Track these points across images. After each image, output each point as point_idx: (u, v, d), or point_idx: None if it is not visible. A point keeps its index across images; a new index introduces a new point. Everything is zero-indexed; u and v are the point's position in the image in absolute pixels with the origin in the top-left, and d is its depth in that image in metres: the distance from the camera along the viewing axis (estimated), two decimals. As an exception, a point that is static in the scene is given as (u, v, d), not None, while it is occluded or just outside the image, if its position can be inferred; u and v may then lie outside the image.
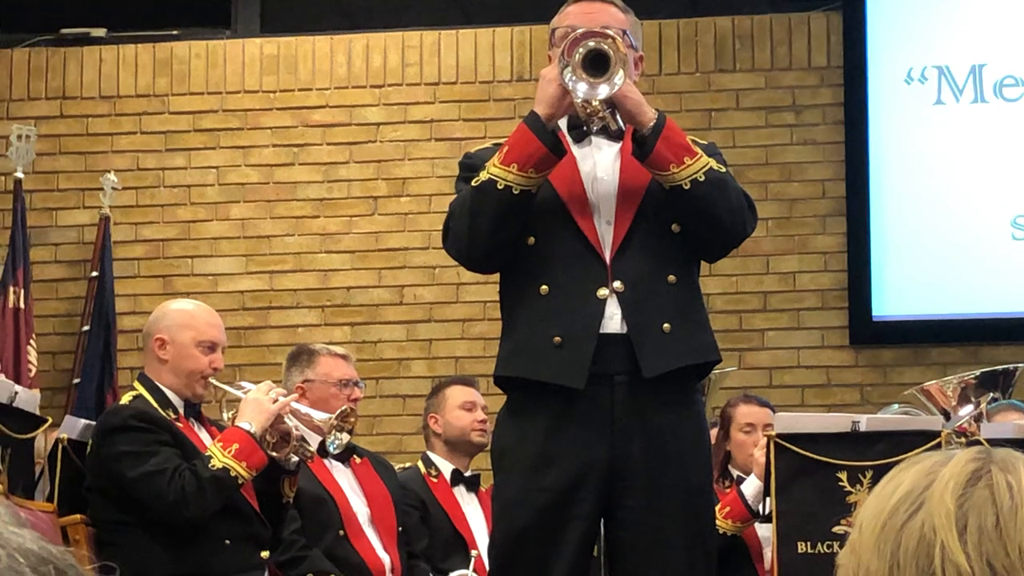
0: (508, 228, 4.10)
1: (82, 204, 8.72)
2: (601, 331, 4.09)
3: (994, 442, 4.80)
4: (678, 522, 4.10)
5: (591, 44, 4.00)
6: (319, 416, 5.34)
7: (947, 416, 6.19)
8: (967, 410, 6.29)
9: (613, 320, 4.10)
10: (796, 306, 8.42)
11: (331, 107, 8.72)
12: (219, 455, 5.01)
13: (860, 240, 8.34)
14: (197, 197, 8.72)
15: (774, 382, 8.31)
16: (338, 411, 5.31)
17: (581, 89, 4.00)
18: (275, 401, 5.15)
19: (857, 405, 8.08)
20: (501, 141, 4.21)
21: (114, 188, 8.54)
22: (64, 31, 8.84)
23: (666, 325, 4.10)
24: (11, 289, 8.19)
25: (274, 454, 5.13)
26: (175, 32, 8.86)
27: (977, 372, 6.43)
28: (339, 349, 6.00)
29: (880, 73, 8.43)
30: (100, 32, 8.85)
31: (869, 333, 8.35)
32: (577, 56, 3.99)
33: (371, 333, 8.58)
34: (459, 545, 6.01)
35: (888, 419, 5.96)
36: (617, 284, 4.10)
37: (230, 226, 8.69)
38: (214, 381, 5.33)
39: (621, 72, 3.99)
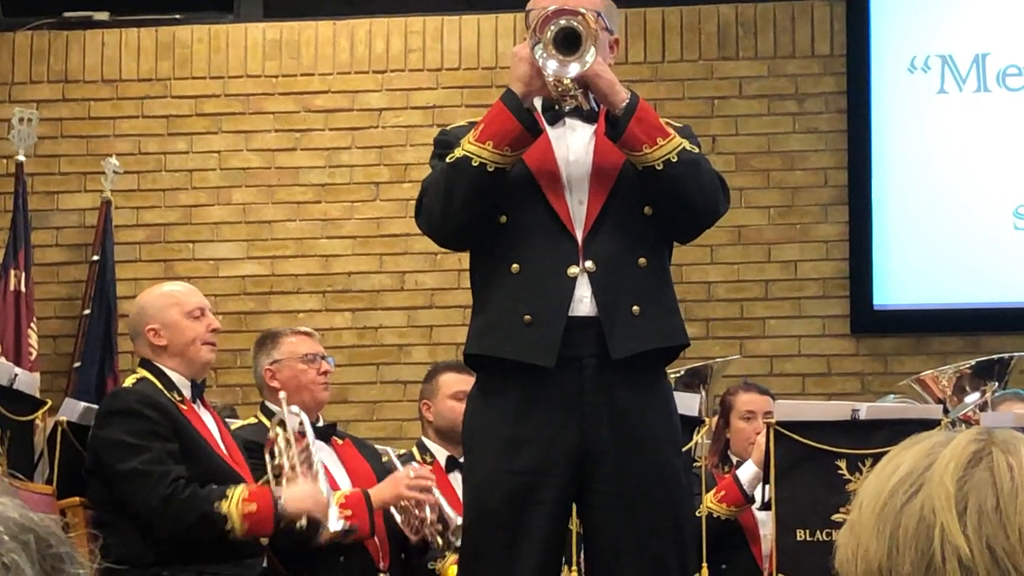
0: (481, 205, 4.10)
1: (83, 188, 8.71)
2: (571, 314, 4.08)
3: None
4: (650, 504, 4.10)
5: (562, 22, 3.99)
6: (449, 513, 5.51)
7: (943, 406, 6.19)
8: (973, 398, 6.30)
9: (583, 303, 4.10)
10: (797, 294, 8.42)
11: (333, 92, 8.71)
12: (233, 503, 4.96)
13: (862, 229, 8.33)
14: (199, 181, 8.71)
15: (775, 370, 8.31)
16: (450, 528, 5.47)
17: (551, 67, 3.99)
18: (331, 506, 5.21)
19: (858, 394, 8.07)
20: (476, 120, 4.22)
21: (116, 172, 8.53)
22: (67, 14, 8.82)
23: (635, 307, 4.10)
24: (12, 272, 8.18)
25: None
26: (177, 16, 8.85)
27: (972, 361, 6.44)
28: (303, 328, 6.06)
29: (883, 62, 8.42)
30: (103, 16, 8.84)
31: (870, 322, 8.34)
32: (548, 34, 3.98)
33: (372, 319, 8.57)
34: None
35: (888, 407, 5.97)
36: (588, 263, 4.10)
37: (231, 211, 8.68)
38: (280, 405, 5.36)
39: (592, 50, 3.97)
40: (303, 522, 5.09)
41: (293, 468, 5.22)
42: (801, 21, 8.57)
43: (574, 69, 3.99)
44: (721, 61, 8.57)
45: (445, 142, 4.23)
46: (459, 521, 5.35)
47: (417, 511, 5.53)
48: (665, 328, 4.17)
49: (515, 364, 4.09)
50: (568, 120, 4.21)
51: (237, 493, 5.00)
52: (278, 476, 5.23)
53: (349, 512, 5.06)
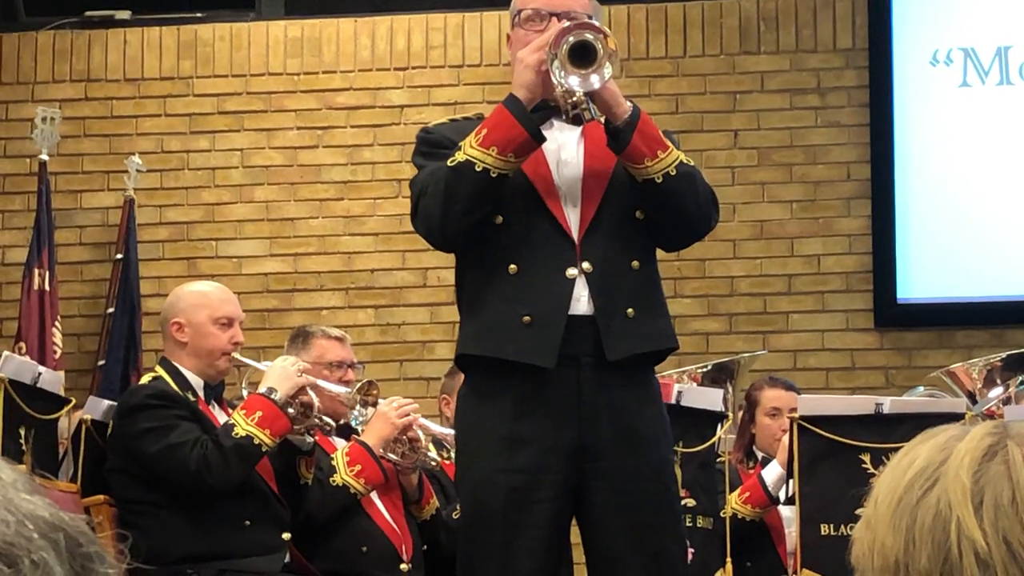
0: (481, 210, 4.10)
1: (107, 186, 8.73)
2: (569, 313, 4.09)
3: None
4: (649, 500, 4.11)
5: (573, 39, 4.01)
6: (341, 391, 5.42)
7: (972, 398, 6.18)
8: (996, 392, 6.29)
9: (580, 302, 4.11)
10: (821, 289, 8.40)
11: (355, 89, 8.72)
12: (242, 423, 5.03)
13: (885, 222, 8.32)
14: (221, 179, 8.73)
15: (798, 365, 8.29)
16: (359, 384, 5.39)
17: (573, 82, 4.00)
18: (300, 374, 5.21)
19: (882, 388, 8.06)
20: (457, 116, 4.22)
21: (138, 170, 8.55)
22: (89, 14, 8.85)
23: (630, 310, 4.12)
24: (36, 271, 8.21)
25: (296, 426, 5.18)
26: (199, 15, 8.87)
27: (1003, 354, 6.43)
28: (336, 331, 6.02)
29: (905, 55, 8.40)
30: (124, 15, 8.86)
31: (894, 316, 8.32)
32: (564, 48, 3.99)
33: (395, 315, 8.58)
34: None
35: (912, 401, 5.95)
36: (586, 265, 4.11)
37: (254, 208, 8.69)
38: (238, 356, 5.36)
39: (608, 65, 3.99)
40: (309, 396, 5.21)
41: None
42: (823, 15, 8.55)
43: (596, 81, 4.00)
44: (743, 55, 8.56)
45: (431, 140, 4.25)
46: (344, 391, 5.48)
47: (406, 436, 5.58)
48: (657, 331, 4.20)
49: (512, 364, 4.09)
50: (555, 122, 4.20)
51: (238, 416, 5.07)
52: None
53: (260, 413, 5.06)
